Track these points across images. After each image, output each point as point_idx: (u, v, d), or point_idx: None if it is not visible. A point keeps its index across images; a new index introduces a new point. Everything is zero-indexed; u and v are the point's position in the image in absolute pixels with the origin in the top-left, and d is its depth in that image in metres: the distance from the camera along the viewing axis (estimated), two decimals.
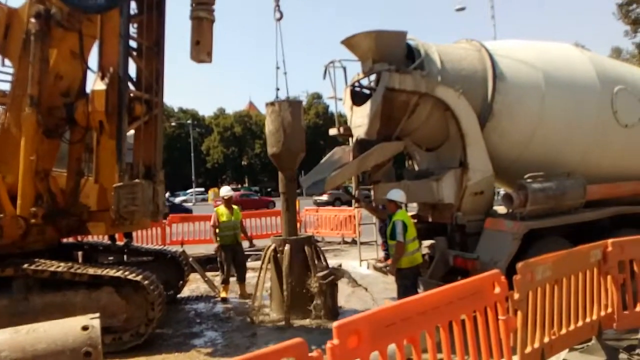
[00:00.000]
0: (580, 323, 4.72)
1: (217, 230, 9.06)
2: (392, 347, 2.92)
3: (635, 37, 32.64)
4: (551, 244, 6.33)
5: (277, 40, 7.76)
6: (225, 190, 9.58)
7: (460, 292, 3.54)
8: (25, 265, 6.36)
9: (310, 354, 2.33)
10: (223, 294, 9.00)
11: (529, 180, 6.70)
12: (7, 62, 7.15)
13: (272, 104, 7.51)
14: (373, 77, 7.38)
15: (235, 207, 9.32)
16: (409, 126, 7.23)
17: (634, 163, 7.77)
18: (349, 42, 7.20)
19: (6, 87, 7.08)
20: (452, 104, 6.87)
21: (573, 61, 7.68)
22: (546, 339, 4.29)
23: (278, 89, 7.89)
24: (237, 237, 9.09)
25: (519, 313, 3.97)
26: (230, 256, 8.99)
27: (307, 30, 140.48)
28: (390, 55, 7.01)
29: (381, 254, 10.23)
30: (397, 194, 6.63)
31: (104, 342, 5.19)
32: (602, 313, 4.97)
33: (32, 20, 6.62)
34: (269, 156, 7.71)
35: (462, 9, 32.38)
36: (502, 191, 8.70)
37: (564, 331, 4.52)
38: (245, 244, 9.56)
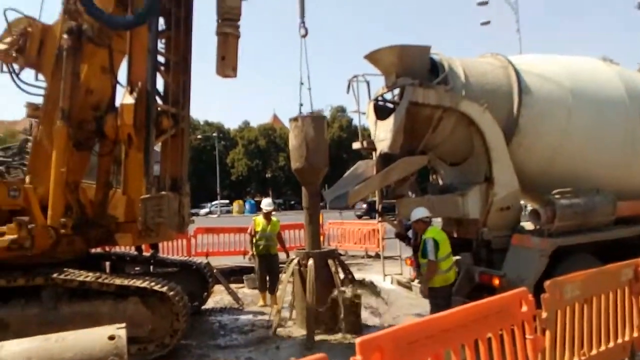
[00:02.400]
0: (611, 344, 4.60)
1: (254, 240, 9.31)
2: None
3: None
4: (580, 261, 6.20)
5: (302, 56, 7.84)
6: (266, 204, 9.74)
7: (487, 310, 3.48)
8: (55, 275, 6.48)
9: None
10: (261, 302, 9.26)
11: (556, 196, 6.58)
12: (40, 76, 7.40)
13: (295, 119, 7.58)
14: (397, 91, 7.39)
15: (274, 219, 9.41)
16: (432, 140, 7.19)
17: None
18: (372, 57, 7.22)
19: (39, 100, 7.27)
20: (477, 119, 6.80)
21: (600, 75, 7.56)
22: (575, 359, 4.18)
23: (301, 105, 7.96)
24: (271, 249, 9.20)
25: (547, 332, 3.89)
26: (264, 266, 9.10)
27: (332, 43, 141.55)
28: (413, 69, 6.99)
29: (405, 269, 10.13)
30: (420, 212, 6.50)
31: (129, 352, 5.24)
32: (635, 334, 4.83)
33: (65, 36, 6.83)
34: (293, 171, 7.76)
35: (487, 22, 32.10)
36: (529, 207, 8.53)
37: (594, 352, 4.41)
38: (282, 256, 9.63)
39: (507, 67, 7.36)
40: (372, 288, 7.54)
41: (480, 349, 3.30)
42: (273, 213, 9.75)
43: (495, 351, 3.39)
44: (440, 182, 8.35)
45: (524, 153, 7.04)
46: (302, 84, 7.91)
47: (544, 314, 3.83)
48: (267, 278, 9.27)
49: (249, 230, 9.75)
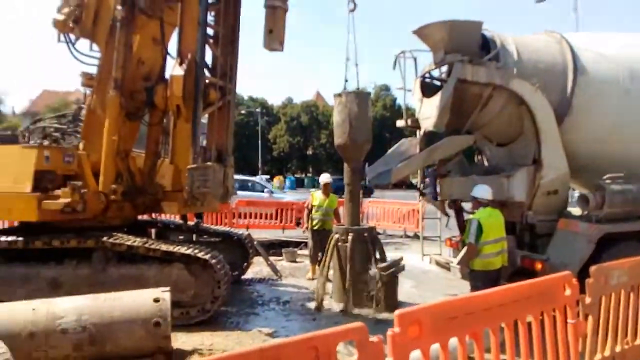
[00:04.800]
0: None
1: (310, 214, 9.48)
2: (453, 342, 2.89)
3: None
4: (627, 250, 5.95)
5: (350, 31, 7.76)
6: (325, 177, 9.88)
7: (529, 292, 3.43)
8: (105, 238, 6.79)
9: (370, 339, 2.35)
10: (310, 274, 9.45)
11: (607, 181, 6.35)
12: (94, 47, 7.64)
13: (339, 95, 7.55)
14: (445, 68, 7.23)
15: (332, 195, 9.51)
16: (480, 120, 7.02)
17: None
18: (421, 32, 7.07)
19: (93, 70, 7.53)
20: (528, 98, 6.59)
21: None
22: (618, 348, 4.09)
23: (347, 81, 7.89)
24: (326, 224, 9.28)
25: (590, 318, 3.81)
26: (318, 240, 9.21)
27: (376, 21, 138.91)
28: (463, 45, 6.81)
29: (445, 250, 10.06)
30: (478, 190, 6.21)
31: (172, 315, 5.49)
32: None
33: (119, 7, 7.01)
34: (335, 147, 7.75)
35: (542, 0, 30.73)
36: (576, 192, 8.26)
37: (638, 342, 4.28)
38: None
39: (562, 45, 7.08)
40: (399, 269, 7.49)
41: (519, 330, 3.27)
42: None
43: (535, 333, 3.35)
44: (486, 163, 8.18)
45: (575, 135, 6.79)
46: (348, 59, 7.84)
47: (588, 299, 3.74)
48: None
49: (305, 204, 9.92)
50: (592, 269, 3.92)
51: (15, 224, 7.94)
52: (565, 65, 6.85)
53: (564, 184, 6.84)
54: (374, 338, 2.36)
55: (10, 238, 6.81)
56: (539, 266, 6.13)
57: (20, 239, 6.77)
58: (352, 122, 7.34)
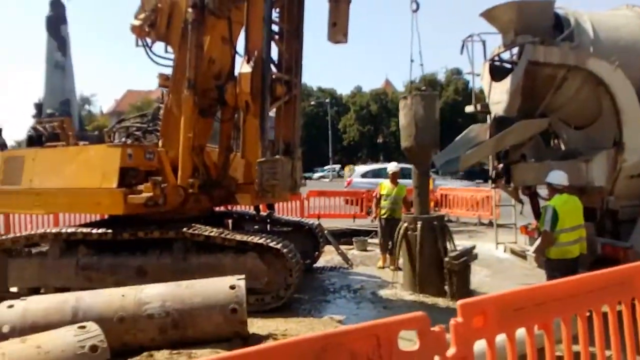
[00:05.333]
0: None
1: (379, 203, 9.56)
2: (521, 332, 2.85)
3: None
4: None
5: (413, 32, 7.66)
6: (392, 166, 9.93)
7: (605, 281, 3.29)
8: (184, 229, 7.21)
9: (432, 329, 2.39)
10: (380, 263, 9.54)
11: None
12: (169, 49, 8.07)
13: (404, 97, 7.49)
14: (515, 50, 6.97)
15: (401, 183, 9.54)
16: (554, 102, 6.74)
17: None
18: (489, 14, 6.87)
19: (169, 71, 7.96)
20: (607, 78, 6.24)
21: None
22: None
23: (412, 82, 7.83)
24: (395, 212, 9.28)
25: None
26: (387, 229, 9.27)
27: (449, 2, 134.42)
28: (534, 26, 6.56)
29: (520, 238, 9.73)
30: (553, 176, 5.93)
31: (248, 302, 5.75)
32: None
33: (189, 10, 7.36)
34: (402, 149, 7.69)
35: None
36: None
37: None
38: None
39: None
40: (471, 257, 7.34)
41: (594, 321, 3.15)
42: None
43: (612, 325, 3.21)
44: (563, 147, 7.82)
45: None
46: (412, 61, 7.72)
47: None
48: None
49: (374, 194, 10.01)
50: None
51: (99, 217, 8.57)
52: None
53: None
54: (435, 328, 2.40)
55: (100, 230, 7.40)
56: (621, 254, 5.84)
57: (109, 231, 7.34)
58: (418, 125, 7.24)
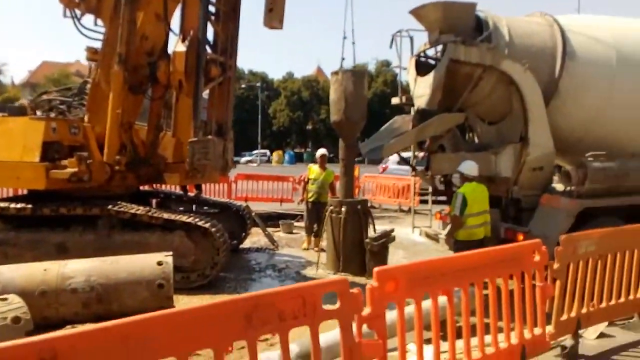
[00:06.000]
0: (622, 299, 4.83)
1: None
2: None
3: None
4: (606, 224, 6.28)
5: (347, 9, 7.96)
6: (321, 151, 10.22)
7: (500, 256, 3.78)
8: (110, 206, 7.13)
9: (351, 291, 2.70)
10: (305, 245, 9.87)
11: (590, 158, 6.66)
12: (99, 22, 7.84)
13: (335, 73, 7.79)
14: (439, 47, 7.45)
15: (329, 168, 9.84)
16: (471, 99, 7.29)
17: None
18: (417, 12, 7.28)
19: (98, 45, 7.75)
20: (517, 79, 6.84)
21: None
22: (584, 310, 4.46)
23: (343, 59, 8.13)
24: (322, 196, 9.54)
25: (558, 282, 4.16)
26: (313, 212, 9.57)
27: None
28: (457, 26, 7.03)
29: (435, 223, 10.43)
30: (465, 166, 6.49)
31: (174, 280, 5.87)
32: None
33: None
34: (331, 123, 8.02)
35: None
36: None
37: (603, 305, 4.67)
38: None
39: (554, 28, 7.28)
40: (389, 239, 7.83)
41: (489, 289, 3.63)
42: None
43: (504, 293, 3.71)
44: (477, 140, 8.47)
45: (561, 117, 7.07)
46: (345, 37, 8.05)
47: (556, 265, 4.10)
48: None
49: (302, 177, 10.29)
50: (562, 238, 4.27)
51: (19, 192, 8.24)
52: (555, 49, 7.08)
53: (549, 161, 7.14)
54: (354, 290, 2.71)
55: (19, 205, 7.14)
56: (520, 237, 6.47)
57: (29, 206, 7.10)
58: (348, 100, 7.59)
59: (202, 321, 2.33)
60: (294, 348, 3.33)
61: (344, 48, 8.11)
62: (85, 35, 7.74)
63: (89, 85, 7.94)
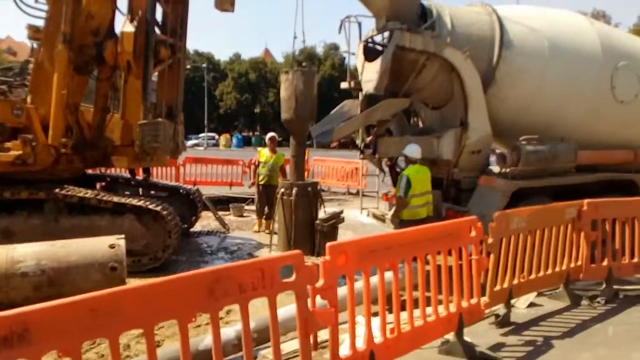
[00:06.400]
0: (549, 271, 5.31)
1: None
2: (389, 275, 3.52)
3: None
4: (537, 203, 6.81)
5: (298, 10, 8.09)
6: (270, 134, 10.34)
7: (440, 232, 4.11)
8: (57, 190, 7.01)
9: (306, 264, 2.92)
10: (256, 227, 10.04)
11: (523, 142, 7.16)
12: None
13: (286, 72, 7.91)
14: (386, 34, 7.71)
15: (279, 152, 9.94)
16: (416, 84, 7.62)
17: (626, 134, 8.17)
18: None
19: (40, 23, 7.50)
20: (458, 66, 7.21)
21: (580, 33, 7.93)
22: (515, 281, 4.90)
23: (295, 37, 8.21)
24: (272, 179, 9.67)
25: (492, 256, 4.56)
26: (264, 195, 9.71)
27: None
28: (403, 14, 7.30)
29: (382, 204, 10.82)
30: (409, 149, 6.80)
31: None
32: (572, 265, 5.55)
33: None
34: (282, 121, 8.14)
35: None
36: (498, 150, 9.12)
37: (533, 276, 5.12)
38: None
39: (493, 18, 7.67)
40: (339, 221, 8.12)
41: (430, 262, 3.95)
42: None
43: (443, 265, 4.04)
44: (421, 124, 8.86)
45: (498, 103, 7.52)
46: (295, 37, 8.14)
47: (490, 240, 4.49)
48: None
49: (253, 160, 10.37)
50: (496, 214, 4.66)
51: None
52: (493, 39, 7.49)
53: (486, 145, 7.61)
54: (308, 262, 2.93)
55: None
56: (460, 217, 6.87)
57: None
58: (298, 99, 7.69)
59: (166, 294, 2.48)
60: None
61: (294, 46, 8.26)
62: (27, 13, 7.47)
63: (31, 65, 7.68)
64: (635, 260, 5.94)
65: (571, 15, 8.58)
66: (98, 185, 9.22)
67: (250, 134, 66.08)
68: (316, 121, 8.12)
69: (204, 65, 59.62)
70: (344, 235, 9.05)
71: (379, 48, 7.99)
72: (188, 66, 59.93)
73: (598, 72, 7.70)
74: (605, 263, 5.73)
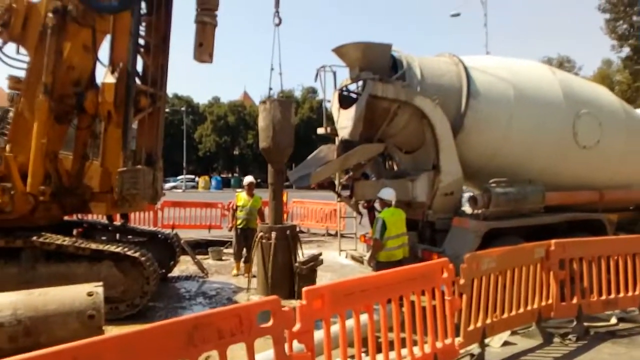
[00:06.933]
0: (521, 310, 5.48)
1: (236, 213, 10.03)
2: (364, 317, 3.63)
3: (622, 51, 33.75)
4: (509, 242, 7.06)
5: (275, 44, 8.38)
6: (248, 178, 10.43)
7: (413, 274, 4.27)
8: (34, 238, 6.98)
9: (283, 309, 3.03)
10: (235, 271, 10.04)
11: (493, 184, 7.45)
12: (22, 50, 7.73)
13: (264, 102, 8.17)
14: (360, 83, 8.06)
15: (256, 195, 10.05)
16: (389, 131, 7.92)
17: (590, 176, 8.56)
18: (339, 51, 7.87)
19: (21, 74, 7.63)
20: (429, 113, 7.56)
21: (543, 83, 8.38)
22: (488, 321, 5.04)
23: (271, 89, 8.51)
24: (250, 223, 9.80)
25: (464, 296, 4.71)
26: (242, 238, 9.78)
27: (308, 25, 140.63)
28: (375, 65, 7.68)
29: (360, 246, 10.95)
30: (384, 193, 7.04)
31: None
32: (543, 303, 5.74)
33: (50, 15, 7.21)
34: (260, 150, 8.35)
35: (457, 14, 33.08)
36: (469, 193, 9.43)
37: (505, 315, 5.29)
38: None
39: (460, 68, 8.10)
40: (317, 263, 8.22)
41: (404, 303, 4.08)
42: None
43: (417, 306, 4.18)
44: (396, 168, 9.14)
45: (467, 148, 7.85)
46: (272, 69, 8.43)
47: (462, 280, 4.66)
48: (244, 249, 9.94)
49: (231, 205, 10.47)
50: (466, 256, 4.85)
51: None
52: (461, 88, 7.90)
53: (458, 187, 7.90)
54: (286, 307, 3.04)
55: None
56: (435, 257, 7.08)
57: None
58: (276, 128, 7.95)
59: (146, 342, 2.56)
60: None
61: (271, 79, 8.48)
62: (7, 64, 7.59)
63: (10, 114, 7.76)
64: (604, 297, 6.16)
65: (534, 66, 9.11)
66: (75, 232, 9.18)
67: (230, 175, 66.09)
68: (294, 149, 8.31)
69: (183, 108, 60.10)
70: (324, 277, 9.14)
71: (354, 96, 8.32)
72: (167, 109, 60.45)
73: (561, 119, 8.13)
74: (575, 301, 5.93)
